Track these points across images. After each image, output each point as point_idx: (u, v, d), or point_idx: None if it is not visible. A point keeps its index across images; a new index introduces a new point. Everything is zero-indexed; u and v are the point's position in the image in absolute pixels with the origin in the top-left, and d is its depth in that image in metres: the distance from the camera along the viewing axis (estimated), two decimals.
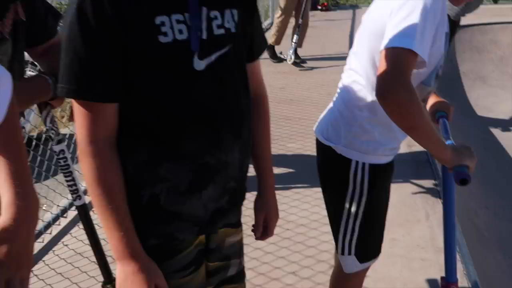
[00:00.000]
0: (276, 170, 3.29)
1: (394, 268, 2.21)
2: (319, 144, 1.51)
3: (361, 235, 1.45)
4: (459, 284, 2.08)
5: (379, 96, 1.10)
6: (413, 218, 2.63)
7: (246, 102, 1.09)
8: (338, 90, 1.47)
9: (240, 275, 1.26)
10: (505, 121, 5.58)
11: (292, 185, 3.08)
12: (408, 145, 3.66)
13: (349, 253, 1.47)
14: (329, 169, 1.51)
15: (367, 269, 1.55)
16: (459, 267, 2.19)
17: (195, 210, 1.06)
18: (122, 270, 0.98)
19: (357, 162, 1.39)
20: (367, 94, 1.33)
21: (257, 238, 1.27)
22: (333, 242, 2.39)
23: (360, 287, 1.61)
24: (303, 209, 2.79)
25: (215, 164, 1.04)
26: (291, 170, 3.25)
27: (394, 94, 1.08)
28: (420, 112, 1.11)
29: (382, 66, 1.10)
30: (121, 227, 0.95)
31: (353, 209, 1.42)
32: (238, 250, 1.24)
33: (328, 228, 2.50)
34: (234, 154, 1.07)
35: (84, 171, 0.96)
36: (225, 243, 1.20)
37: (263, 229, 1.27)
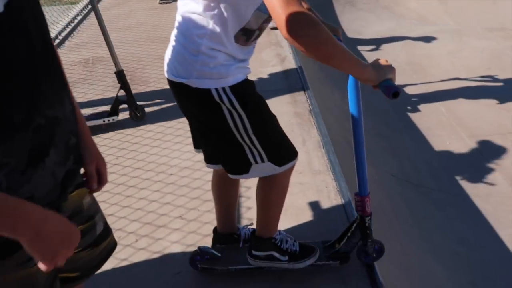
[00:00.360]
0: (155, 114, 3.19)
1: None
2: (173, 85, 1.44)
3: (265, 143, 1.46)
4: (333, 201, 2.24)
5: (290, 37, 1.05)
6: None
7: (53, 48, 0.95)
8: (176, 23, 1.39)
9: (107, 229, 1.19)
10: (372, 41, 5.95)
11: (172, 127, 2.99)
12: (285, 76, 3.72)
13: (263, 161, 1.49)
14: (194, 106, 1.46)
15: (292, 168, 1.58)
16: (333, 185, 2.34)
17: (44, 184, 0.92)
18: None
19: (216, 90, 1.37)
20: (204, 21, 1.29)
21: (94, 190, 1.16)
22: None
23: (287, 183, 1.64)
24: (185, 152, 2.73)
25: (48, 123, 0.90)
26: (169, 113, 3.14)
27: (302, 31, 1.05)
28: (332, 39, 1.10)
29: (274, 7, 1.05)
30: None
31: (241, 128, 1.42)
32: (97, 206, 1.16)
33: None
34: (65, 106, 0.94)
35: None
36: (83, 204, 1.10)
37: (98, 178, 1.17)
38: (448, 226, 3.08)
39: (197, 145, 1.69)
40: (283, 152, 1.55)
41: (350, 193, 2.25)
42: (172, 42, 1.42)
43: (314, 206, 2.20)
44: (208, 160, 1.69)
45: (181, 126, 2.95)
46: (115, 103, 3.03)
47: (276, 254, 1.74)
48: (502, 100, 4.56)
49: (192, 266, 1.85)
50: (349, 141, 3.59)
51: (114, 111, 3.04)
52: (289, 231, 2.04)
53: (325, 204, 2.20)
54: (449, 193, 3.43)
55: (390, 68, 1.29)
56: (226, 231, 1.90)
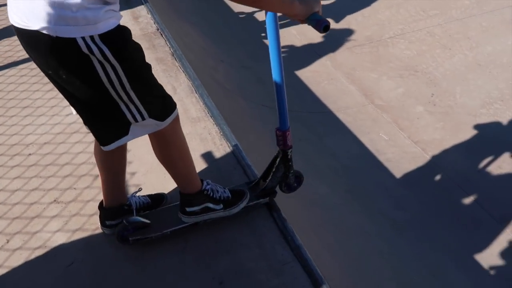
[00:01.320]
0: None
1: None
2: (23, 35, 1.15)
3: (144, 98, 1.31)
4: (220, 147, 2.15)
5: None
6: None
7: None
8: None
9: None
10: None
11: (15, 98, 2.52)
12: (133, 17, 3.35)
13: (143, 118, 1.33)
14: (55, 61, 1.18)
15: (177, 119, 1.46)
16: (216, 130, 2.24)
17: None
18: None
19: (83, 39, 1.12)
20: None
21: None
22: (87, 150, 2.15)
23: (181, 134, 1.51)
24: (40, 125, 2.33)
25: None
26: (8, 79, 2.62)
27: None
28: None
29: None
30: None
31: (117, 83, 1.23)
32: None
33: (80, 136, 2.23)
34: None
35: None
36: None
37: None
38: (321, 144, 3.26)
39: None
40: (162, 104, 1.40)
41: (234, 135, 2.17)
42: None
43: (202, 155, 2.09)
44: (84, 122, 1.47)
45: (27, 95, 2.49)
46: None
47: (211, 205, 1.67)
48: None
49: (122, 241, 1.66)
50: (218, 80, 3.50)
51: None
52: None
53: (213, 152, 2.10)
54: (316, 112, 3.61)
55: (315, 1, 1.25)
56: (116, 203, 1.69)
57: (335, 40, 4.52)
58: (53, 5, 1.07)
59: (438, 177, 3.19)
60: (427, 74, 4.07)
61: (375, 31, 4.66)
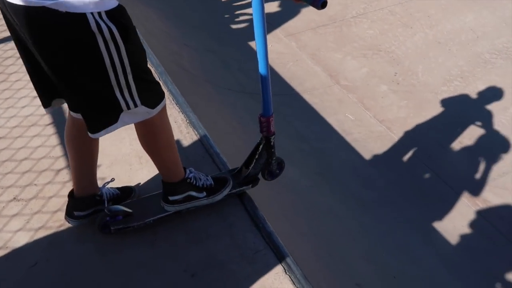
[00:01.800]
0: None
1: (124, 144, 2.02)
2: (22, 12, 1.08)
3: (140, 83, 1.27)
4: (187, 135, 2.09)
5: None
6: None
7: None
8: None
9: None
10: None
11: None
12: None
13: (136, 106, 1.28)
14: (57, 39, 1.12)
15: (165, 107, 1.41)
16: (182, 118, 2.17)
17: None
18: None
19: (92, 15, 1.08)
20: None
21: None
22: (46, 144, 2.04)
23: (168, 123, 1.47)
24: None
25: None
26: None
27: None
28: None
29: None
30: None
31: (118, 65, 1.19)
32: None
33: (39, 129, 2.11)
34: None
35: None
36: None
37: None
38: (290, 127, 3.24)
39: (48, 101, 1.38)
40: (154, 92, 1.35)
41: (201, 122, 2.11)
42: None
43: None
44: (72, 108, 1.41)
45: None
46: None
47: (194, 193, 1.63)
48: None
49: (103, 231, 1.60)
50: (183, 66, 3.40)
51: None
52: (150, 180, 1.85)
53: (180, 140, 2.03)
54: (283, 94, 3.57)
55: None
56: (87, 193, 1.61)
57: (298, 20, 4.47)
58: None
59: (403, 155, 3.24)
60: (390, 53, 4.09)
61: (339, 11, 4.64)
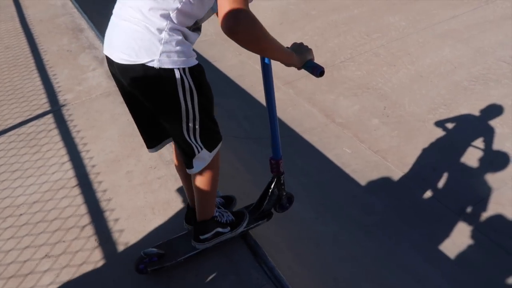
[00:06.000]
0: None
1: (139, 198, 2.06)
2: (125, 70, 1.19)
3: (203, 131, 1.36)
4: None
5: (229, 33, 1.01)
6: (135, 145, 2.46)
7: None
8: (130, 3, 1.17)
9: None
10: None
11: (13, 164, 2.45)
12: (108, 76, 3.33)
13: (201, 149, 1.36)
14: (154, 88, 1.22)
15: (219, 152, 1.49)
16: None
17: None
18: None
19: (179, 70, 1.21)
20: (166, 2, 1.14)
21: None
22: (73, 203, 2.09)
23: (219, 162, 1.51)
24: (29, 185, 2.27)
25: None
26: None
27: (243, 28, 1.02)
28: (266, 34, 1.09)
29: (223, 4, 0.99)
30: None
31: (191, 111, 1.29)
32: None
33: (66, 191, 2.17)
34: None
35: None
36: None
37: None
38: (292, 164, 3.24)
39: (152, 141, 1.48)
40: (214, 136, 1.42)
41: None
42: (123, 23, 1.17)
43: (178, 196, 2.04)
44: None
45: (16, 160, 2.43)
46: None
47: (220, 229, 1.66)
48: None
49: (141, 272, 1.62)
50: None
51: None
52: (161, 229, 1.87)
53: None
54: (285, 136, 3.60)
55: (309, 50, 1.32)
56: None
57: (293, 70, 4.56)
58: (160, 41, 1.14)
59: (399, 180, 3.18)
60: (378, 90, 4.12)
61: (328, 58, 4.73)
